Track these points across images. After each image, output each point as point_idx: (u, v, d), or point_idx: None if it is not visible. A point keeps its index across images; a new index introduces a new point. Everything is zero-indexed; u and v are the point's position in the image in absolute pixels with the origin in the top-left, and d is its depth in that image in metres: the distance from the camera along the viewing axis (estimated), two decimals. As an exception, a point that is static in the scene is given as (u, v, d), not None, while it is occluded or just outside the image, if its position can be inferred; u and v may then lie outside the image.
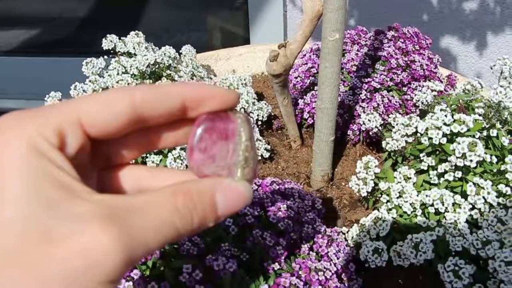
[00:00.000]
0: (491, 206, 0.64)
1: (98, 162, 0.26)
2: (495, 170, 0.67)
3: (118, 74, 0.86)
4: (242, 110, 0.89)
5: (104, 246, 0.19)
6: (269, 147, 0.87)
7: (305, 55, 1.02)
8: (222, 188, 0.24)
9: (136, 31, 0.93)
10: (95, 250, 0.19)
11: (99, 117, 0.23)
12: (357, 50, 0.97)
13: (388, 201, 0.70)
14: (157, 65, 0.88)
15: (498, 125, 0.71)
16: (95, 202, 0.20)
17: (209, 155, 0.25)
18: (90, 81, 0.85)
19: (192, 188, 0.23)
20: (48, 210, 0.19)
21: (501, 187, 0.64)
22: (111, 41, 0.92)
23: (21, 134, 0.21)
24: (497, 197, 0.64)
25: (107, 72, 0.87)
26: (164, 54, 0.88)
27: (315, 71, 0.96)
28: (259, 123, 0.93)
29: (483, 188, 0.64)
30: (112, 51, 0.93)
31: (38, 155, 0.20)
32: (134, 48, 0.91)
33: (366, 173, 0.72)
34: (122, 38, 0.93)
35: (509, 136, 0.72)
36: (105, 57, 0.91)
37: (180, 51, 0.98)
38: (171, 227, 0.22)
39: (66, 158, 0.22)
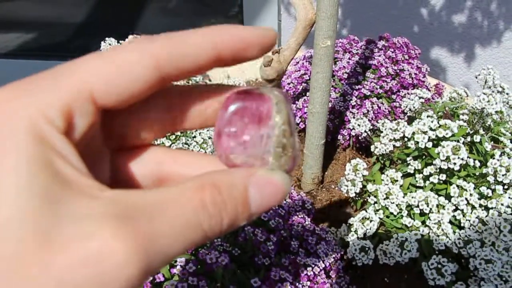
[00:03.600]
0: (473, 207, 0.66)
1: (111, 141, 0.22)
2: (477, 174, 0.70)
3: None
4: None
5: (117, 255, 0.16)
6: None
7: (298, 62, 1.05)
8: (256, 181, 0.20)
9: (134, 35, 0.96)
10: (106, 259, 0.15)
11: (115, 84, 0.18)
12: (349, 58, 1.00)
13: (375, 202, 0.73)
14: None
15: (482, 131, 0.74)
16: (106, 200, 0.17)
17: (240, 141, 0.21)
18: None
19: (222, 181, 0.19)
20: (49, 210, 0.16)
21: (483, 189, 0.67)
22: (109, 44, 0.95)
23: (20, 115, 0.17)
24: (479, 199, 0.66)
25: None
26: (161, 58, 0.91)
27: (308, 78, 0.99)
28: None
29: (466, 190, 0.67)
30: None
31: (39, 143, 0.17)
32: (132, 51, 0.94)
33: (355, 175, 0.75)
34: (120, 41, 0.95)
35: (492, 142, 0.76)
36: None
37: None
38: (197, 229, 0.18)
39: (73, 144, 0.18)
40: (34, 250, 0.15)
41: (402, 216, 0.70)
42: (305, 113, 0.94)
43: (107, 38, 0.95)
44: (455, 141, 0.70)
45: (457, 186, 0.68)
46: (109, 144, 0.22)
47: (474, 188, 0.68)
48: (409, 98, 0.88)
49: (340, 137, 0.93)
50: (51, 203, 0.16)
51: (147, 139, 0.23)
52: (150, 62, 0.19)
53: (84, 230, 0.16)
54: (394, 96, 0.97)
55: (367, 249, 0.67)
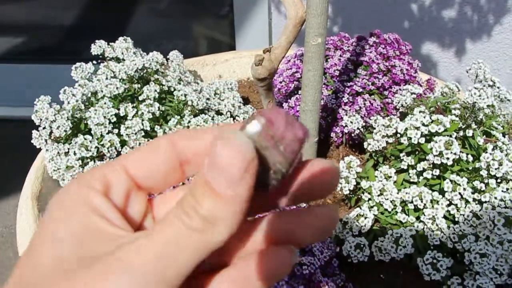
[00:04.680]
0: (467, 201, 0.67)
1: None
2: (471, 168, 0.70)
3: (107, 78, 0.88)
4: (229, 113, 0.91)
5: None
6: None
7: (289, 60, 1.05)
8: (210, 157, 0.20)
9: (125, 37, 0.95)
10: None
11: (144, 163, 0.24)
12: (340, 56, 1.00)
13: (369, 199, 0.73)
14: (145, 70, 0.90)
15: (474, 126, 0.74)
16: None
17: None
18: (79, 85, 0.87)
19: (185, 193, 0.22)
20: (77, 253, 0.21)
21: (476, 183, 0.67)
22: (100, 46, 0.94)
23: (75, 187, 0.23)
24: (473, 193, 0.67)
25: (96, 77, 0.89)
26: (152, 59, 0.90)
27: (299, 76, 0.99)
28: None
29: (459, 185, 0.67)
30: (100, 57, 0.94)
31: (83, 203, 0.22)
32: (122, 53, 0.93)
33: (348, 172, 0.74)
34: (110, 43, 0.95)
35: (484, 136, 0.76)
36: (94, 62, 0.92)
37: (168, 57, 1.00)
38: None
39: (113, 203, 0.23)
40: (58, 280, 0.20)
41: (396, 212, 0.70)
42: (297, 111, 0.93)
43: (97, 41, 0.94)
44: (447, 136, 0.70)
45: (451, 181, 0.68)
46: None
47: (468, 183, 0.68)
48: (401, 94, 0.88)
49: (333, 134, 0.93)
50: (78, 248, 0.21)
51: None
52: (169, 145, 0.25)
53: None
54: (386, 92, 0.97)
55: (362, 246, 0.67)
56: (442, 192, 0.69)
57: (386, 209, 0.71)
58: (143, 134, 0.81)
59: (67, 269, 0.20)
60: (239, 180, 0.20)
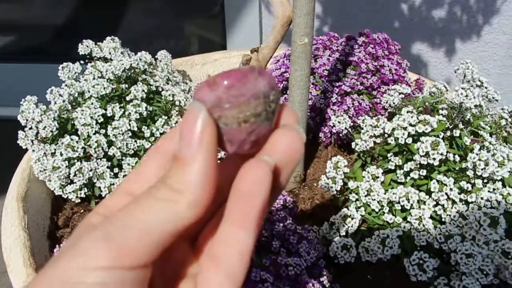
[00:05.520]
0: (453, 202, 0.67)
1: None
2: (458, 168, 0.70)
3: (94, 78, 0.87)
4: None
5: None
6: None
7: (278, 60, 1.05)
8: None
9: (112, 37, 0.95)
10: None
11: (139, 178, 0.26)
12: (329, 55, 1.00)
13: (357, 199, 0.72)
14: (133, 70, 0.89)
15: (461, 126, 0.74)
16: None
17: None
18: (66, 85, 0.86)
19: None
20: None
21: (463, 183, 0.67)
22: (87, 46, 0.93)
23: (85, 218, 0.25)
24: (459, 193, 0.67)
25: (83, 77, 0.88)
26: (140, 59, 0.90)
27: (288, 76, 0.99)
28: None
29: (446, 185, 0.67)
30: (88, 57, 0.94)
31: (86, 225, 0.24)
32: (110, 53, 0.92)
33: (336, 173, 0.74)
34: (98, 43, 0.94)
35: (471, 136, 0.76)
36: (81, 62, 0.92)
37: (156, 57, 1.00)
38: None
39: None
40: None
41: (383, 212, 0.70)
42: (286, 111, 0.93)
43: (84, 40, 0.94)
44: (435, 136, 0.70)
45: (437, 181, 0.68)
46: None
47: (454, 183, 0.68)
48: (389, 94, 0.87)
49: (321, 134, 0.93)
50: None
51: None
52: None
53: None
54: (375, 92, 0.97)
55: (349, 246, 0.66)
56: (429, 192, 0.69)
57: (373, 210, 0.71)
58: (130, 134, 0.81)
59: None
60: (197, 141, 0.21)
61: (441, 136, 0.72)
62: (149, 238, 0.21)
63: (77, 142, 0.79)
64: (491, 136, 0.77)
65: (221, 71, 0.22)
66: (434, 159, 0.66)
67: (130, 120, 0.81)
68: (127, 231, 0.21)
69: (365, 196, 0.71)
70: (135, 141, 0.82)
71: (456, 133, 0.72)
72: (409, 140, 0.70)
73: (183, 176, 0.21)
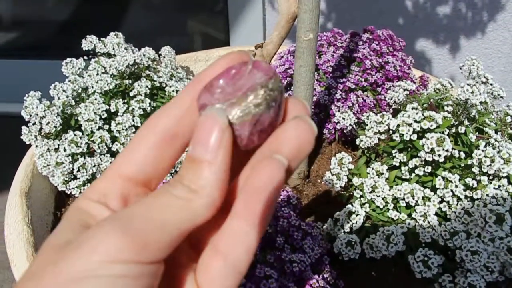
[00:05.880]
0: (458, 198, 0.66)
1: None
2: (463, 165, 0.70)
3: (97, 74, 0.87)
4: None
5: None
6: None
7: (282, 56, 1.04)
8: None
9: (116, 32, 0.94)
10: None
11: (131, 159, 0.25)
12: (333, 52, 1.00)
13: (361, 196, 0.72)
14: (136, 66, 0.89)
15: (466, 122, 0.74)
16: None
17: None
18: (69, 81, 0.86)
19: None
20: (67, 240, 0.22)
21: (468, 180, 0.67)
22: (90, 41, 0.93)
23: (74, 203, 0.25)
24: (464, 190, 0.66)
25: (86, 73, 0.88)
26: (144, 55, 0.90)
27: (292, 72, 0.98)
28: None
29: (451, 181, 0.67)
30: (91, 53, 0.93)
31: (78, 212, 0.24)
32: (113, 49, 0.92)
33: (340, 169, 0.74)
34: (101, 39, 0.94)
35: (476, 133, 0.75)
36: (85, 57, 0.91)
37: (160, 53, 0.99)
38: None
39: (111, 209, 0.24)
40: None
41: (388, 209, 0.70)
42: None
43: (87, 36, 0.93)
44: (440, 132, 0.69)
45: (443, 178, 0.68)
46: None
47: (460, 180, 0.67)
48: (393, 91, 0.87)
49: (325, 131, 0.92)
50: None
51: None
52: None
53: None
54: (379, 89, 0.96)
55: (353, 243, 0.66)
56: (434, 189, 0.69)
57: (377, 206, 0.71)
58: (134, 130, 0.81)
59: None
60: (216, 146, 0.22)
61: (446, 133, 0.71)
62: (167, 234, 0.21)
63: (80, 137, 0.79)
64: (496, 133, 0.77)
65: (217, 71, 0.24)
66: (439, 155, 0.66)
67: (133, 116, 0.81)
68: (148, 226, 0.21)
69: (370, 192, 0.70)
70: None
71: (461, 129, 0.72)
72: (414, 137, 0.70)
73: (201, 178, 0.22)
